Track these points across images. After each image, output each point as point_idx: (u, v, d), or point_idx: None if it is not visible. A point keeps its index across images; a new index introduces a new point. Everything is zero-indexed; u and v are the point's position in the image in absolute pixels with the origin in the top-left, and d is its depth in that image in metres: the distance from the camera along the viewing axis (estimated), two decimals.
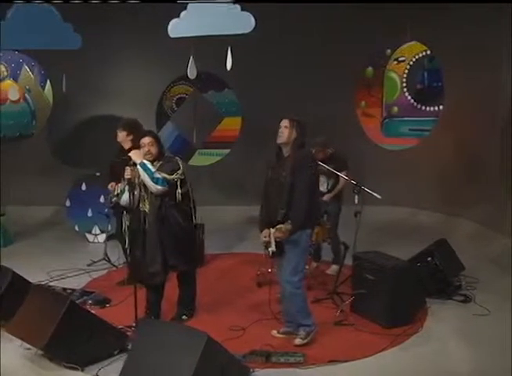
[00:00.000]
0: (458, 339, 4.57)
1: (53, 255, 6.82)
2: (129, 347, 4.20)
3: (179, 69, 8.03)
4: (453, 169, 7.78)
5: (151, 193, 4.51)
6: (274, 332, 4.62)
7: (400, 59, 6.42)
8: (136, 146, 5.59)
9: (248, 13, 5.21)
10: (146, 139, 4.57)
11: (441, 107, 6.16)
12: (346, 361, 4.14)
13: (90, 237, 7.60)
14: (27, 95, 7.22)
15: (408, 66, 6.38)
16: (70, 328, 3.84)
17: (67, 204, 7.68)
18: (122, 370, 3.40)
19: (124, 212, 4.77)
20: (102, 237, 7.53)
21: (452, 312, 5.12)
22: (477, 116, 7.14)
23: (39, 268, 6.10)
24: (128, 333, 4.37)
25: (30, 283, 4.70)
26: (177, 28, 5.33)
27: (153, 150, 4.55)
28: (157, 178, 4.41)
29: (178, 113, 7.72)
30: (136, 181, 4.50)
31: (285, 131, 4.28)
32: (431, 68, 6.23)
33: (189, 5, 5.19)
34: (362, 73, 6.82)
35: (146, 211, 4.57)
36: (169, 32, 5.45)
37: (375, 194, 5.44)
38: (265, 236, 4.33)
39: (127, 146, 5.66)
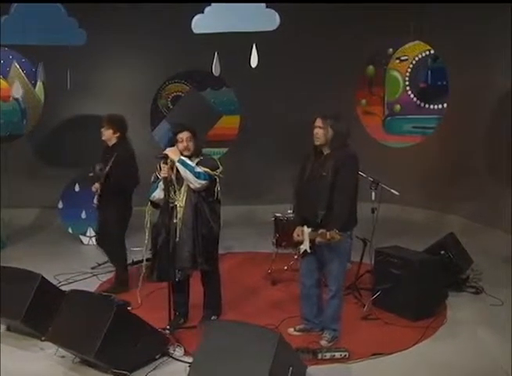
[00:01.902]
0: (484, 328, 4.71)
1: (51, 259, 6.57)
2: (170, 350, 4.16)
3: (167, 68, 7.98)
4: (441, 166, 7.99)
5: (188, 188, 4.43)
6: (291, 330, 4.61)
7: (402, 58, 6.55)
8: (123, 143, 5.45)
9: (273, 11, 5.19)
10: (183, 133, 4.45)
11: (445, 105, 6.32)
12: (388, 354, 4.22)
13: (84, 240, 7.38)
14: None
15: (411, 65, 6.52)
16: (118, 333, 3.72)
17: (60, 205, 7.41)
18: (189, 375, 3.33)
19: (150, 207, 4.64)
20: None
21: (468, 303, 5.28)
22: (467, 114, 7.36)
23: (41, 272, 5.86)
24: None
25: (59, 288, 4.53)
26: (200, 24, 5.24)
27: (191, 145, 4.45)
28: (199, 173, 4.33)
29: (173, 112, 7.60)
30: (170, 178, 4.41)
31: (319, 132, 4.14)
32: (435, 67, 6.37)
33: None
34: (363, 71, 6.91)
35: (180, 205, 4.46)
36: (192, 28, 5.36)
37: (392, 191, 5.56)
38: (297, 235, 4.31)
39: (110, 143, 5.44)
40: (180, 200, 4.45)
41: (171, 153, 4.35)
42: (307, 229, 4.24)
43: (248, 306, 5.22)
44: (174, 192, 4.47)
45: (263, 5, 5.16)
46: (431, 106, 6.45)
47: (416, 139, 6.72)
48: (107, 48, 7.98)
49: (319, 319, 4.55)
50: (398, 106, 6.64)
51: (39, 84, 7.03)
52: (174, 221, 4.47)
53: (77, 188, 7.37)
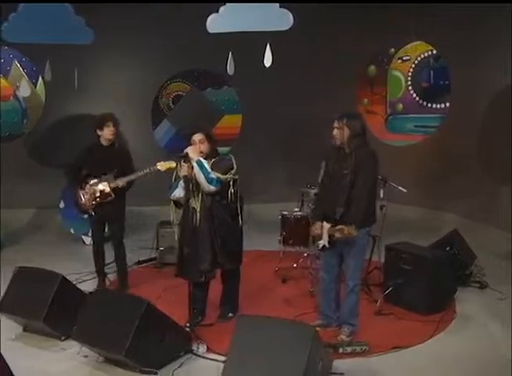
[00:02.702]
0: (495, 322, 4.83)
1: (53, 260, 6.40)
2: (193, 348, 4.18)
3: (168, 67, 7.96)
4: (436, 165, 8.07)
5: (203, 192, 4.44)
6: None
7: (404, 58, 6.65)
8: (121, 142, 5.42)
9: (286, 11, 5.24)
10: (196, 135, 4.44)
11: (447, 105, 6.43)
12: (408, 347, 4.30)
13: (87, 240, 7.29)
14: (17, 92, 6.86)
15: (413, 65, 6.61)
16: (147, 331, 3.74)
17: (61, 205, 7.31)
18: (223, 372, 3.35)
19: (173, 205, 4.64)
20: None
21: (475, 298, 5.41)
22: (464, 114, 7.48)
23: None
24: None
25: (79, 288, 4.52)
26: (215, 23, 5.25)
27: (204, 147, 4.44)
28: (212, 179, 4.32)
29: (175, 111, 7.59)
30: (190, 177, 4.40)
31: (336, 133, 4.29)
32: (437, 67, 6.47)
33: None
34: (364, 71, 6.98)
35: (196, 208, 4.48)
36: (207, 27, 5.36)
37: (400, 188, 5.65)
38: (316, 229, 4.40)
39: (108, 142, 5.39)
40: (198, 206, 4.46)
41: (191, 151, 4.33)
42: (326, 225, 4.32)
43: (261, 304, 5.24)
44: (194, 196, 4.48)
45: (277, 4, 5.21)
46: (434, 106, 6.55)
47: (419, 137, 6.82)
48: (107, 48, 7.90)
49: (336, 314, 4.62)
50: (400, 106, 6.74)
51: (40, 83, 6.96)
52: (195, 223, 4.47)
53: None
